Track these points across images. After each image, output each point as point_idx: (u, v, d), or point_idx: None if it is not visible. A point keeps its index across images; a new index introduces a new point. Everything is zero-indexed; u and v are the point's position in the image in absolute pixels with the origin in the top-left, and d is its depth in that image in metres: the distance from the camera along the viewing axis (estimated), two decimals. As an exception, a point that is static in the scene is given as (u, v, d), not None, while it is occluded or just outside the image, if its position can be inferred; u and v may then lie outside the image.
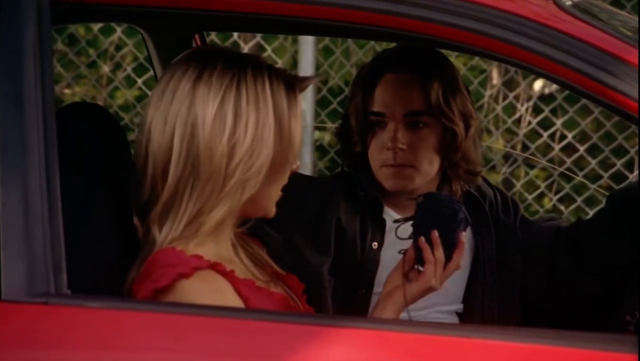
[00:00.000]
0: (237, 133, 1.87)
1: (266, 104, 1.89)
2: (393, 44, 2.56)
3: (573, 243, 2.47)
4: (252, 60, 1.93)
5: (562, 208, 5.09)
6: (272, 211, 1.97)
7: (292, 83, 1.93)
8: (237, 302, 1.88)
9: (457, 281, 2.43)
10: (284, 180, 1.95)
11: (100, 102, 5.29)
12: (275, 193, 1.95)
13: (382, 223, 2.43)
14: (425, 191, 2.44)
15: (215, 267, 1.88)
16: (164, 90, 1.91)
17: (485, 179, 2.59)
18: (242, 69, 1.90)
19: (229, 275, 1.89)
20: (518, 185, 5.13)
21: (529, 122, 5.17)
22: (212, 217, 1.88)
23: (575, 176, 4.78)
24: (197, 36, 2.55)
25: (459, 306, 2.47)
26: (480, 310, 2.46)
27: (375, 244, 2.42)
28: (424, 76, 2.40)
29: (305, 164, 4.77)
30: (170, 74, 1.92)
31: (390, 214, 2.45)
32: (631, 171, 5.03)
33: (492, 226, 2.49)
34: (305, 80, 1.95)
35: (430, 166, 2.42)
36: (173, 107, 1.89)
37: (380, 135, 2.41)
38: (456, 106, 2.40)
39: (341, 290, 2.39)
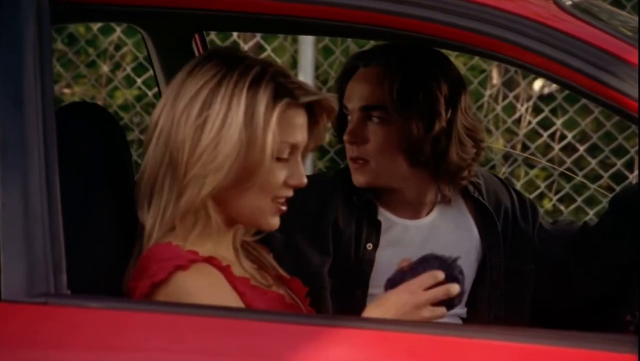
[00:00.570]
0: (203, 126, 1.88)
1: (239, 103, 1.89)
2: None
3: (578, 246, 2.47)
4: (247, 61, 1.93)
5: (562, 207, 5.09)
6: (267, 223, 1.95)
7: (291, 92, 1.91)
8: (233, 296, 1.89)
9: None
10: (272, 191, 1.92)
11: (99, 102, 5.29)
12: (265, 204, 1.93)
13: (377, 225, 2.43)
14: (412, 192, 2.42)
15: (210, 261, 1.89)
16: (169, 85, 1.96)
17: (504, 183, 2.56)
18: (232, 68, 1.91)
19: (225, 270, 1.90)
20: (518, 185, 5.13)
21: (529, 122, 5.17)
22: (178, 208, 1.90)
23: (575, 176, 4.78)
24: (197, 36, 2.55)
25: (462, 311, 2.47)
26: (487, 316, 2.44)
27: (370, 245, 2.41)
28: (389, 70, 2.37)
29: (306, 162, 4.76)
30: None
31: (385, 215, 2.45)
32: (631, 171, 5.03)
33: (501, 236, 2.47)
34: (309, 94, 1.93)
35: (392, 163, 2.39)
36: (164, 98, 1.94)
37: (347, 128, 2.41)
38: (417, 104, 2.35)
39: (338, 291, 2.38)
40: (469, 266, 2.43)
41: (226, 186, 1.90)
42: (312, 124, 1.97)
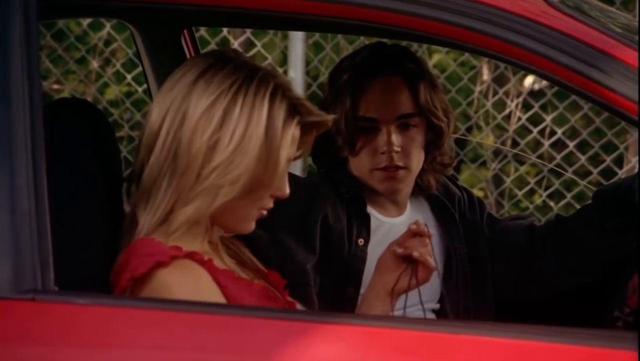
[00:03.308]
0: (221, 136, 1.87)
1: (260, 116, 1.88)
2: (362, 47, 2.56)
3: (554, 240, 2.49)
4: (262, 72, 1.92)
5: (551, 204, 5.10)
6: (246, 228, 1.96)
7: (296, 109, 1.91)
8: (214, 290, 1.89)
9: (433, 280, 2.46)
10: (262, 202, 1.93)
11: (89, 98, 5.28)
12: (251, 212, 1.93)
13: (367, 218, 2.44)
14: (408, 189, 2.46)
15: (192, 256, 1.89)
16: (171, 79, 1.93)
17: (451, 180, 2.61)
18: (249, 77, 1.89)
19: (206, 264, 1.90)
20: (508, 181, 5.13)
21: (519, 118, 5.17)
22: (182, 213, 1.88)
23: (564, 173, 4.79)
24: (186, 32, 2.54)
25: (437, 305, 2.50)
26: (456, 309, 2.48)
27: (361, 241, 2.42)
28: (409, 77, 2.42)
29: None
30: (183, 65, 1.94)
31: (373, 214, 2.46)
32: (620, 167, 5.03)
33: (460, 227, 2.51)
34: (311, 113, 1.92)
35: (418, 165, 2.45)
36: (171, 94, 1.91)
37: (372, 140, 2.42)
38: (438, 103, 2.43)
39: (330, 288, 2.39)
40: (438, 259, 2.48)
41: (234, 198, 1.89)
42: (302, 136, 1.97)
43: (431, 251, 2.12)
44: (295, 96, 1.92)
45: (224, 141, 1.87)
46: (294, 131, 1.91)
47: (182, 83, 1.90)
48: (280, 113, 1.89)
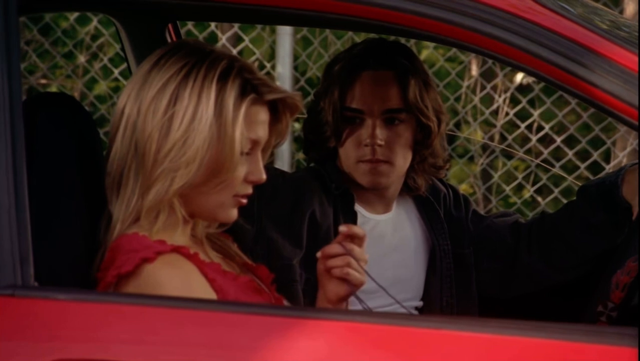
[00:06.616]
0: (173, 118, 1.88)
1: (209, 96, 1.89)
2: (361, 40, 2.56)
3: (538, 237, 2.49)
4: (215, 55, 1.92)
5: (539, 199, 5.10)
6: (226, 217, 1.95)
7: (255, 88, 1.91)
8: (203, 284, 1.89)
9: (417, 277, 2.46)
10: (234, 188, 1.92)
11: (76, 93, 5.26)
12: (225, 199, 1.93)
13: (354, 216, 2.44)
14: (396, 187, 2.46)
15: (179, 250, 1.89)
16: (134, 73, 1.95)
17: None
18: (199, 61, 1.91)
19: (193, 257, 1.90)
20: (496, 176, 5.13)
21: (507, 114, 5.18)
22: (145, 200, 1.89)
23: (552, 168, 4.79)
24: (170, 26, 2.53)
25: (420, 303, 2.50)
26: (439, 305, 2.48)
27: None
28: (401, 72, 2.41)
29: (283, 154, 4.76)
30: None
31: (359, 211, 2.46)
32: (608, 162, 5.04)
33: (445, 223, 2.51)
34: (273, 91, 1.93)
35: (404, 162, 2.44)
36: (129, 87, 1.94)
37: (357, 131, 2.42)
38: (429, 102, 2.43)
39: (315, 284, 2.38)
40: (422, 256, 2.47)
41: (196, 182, 1.89)
42: (275, 121, 1.98)
43: (355, 264, 1.98)
44: (256, 76, 1.92)
45: (176, 122, 1.88)
46: (251, 110, 1.91)
47: (138, 75, 1.93)
48: (232, 93, 1.90)
